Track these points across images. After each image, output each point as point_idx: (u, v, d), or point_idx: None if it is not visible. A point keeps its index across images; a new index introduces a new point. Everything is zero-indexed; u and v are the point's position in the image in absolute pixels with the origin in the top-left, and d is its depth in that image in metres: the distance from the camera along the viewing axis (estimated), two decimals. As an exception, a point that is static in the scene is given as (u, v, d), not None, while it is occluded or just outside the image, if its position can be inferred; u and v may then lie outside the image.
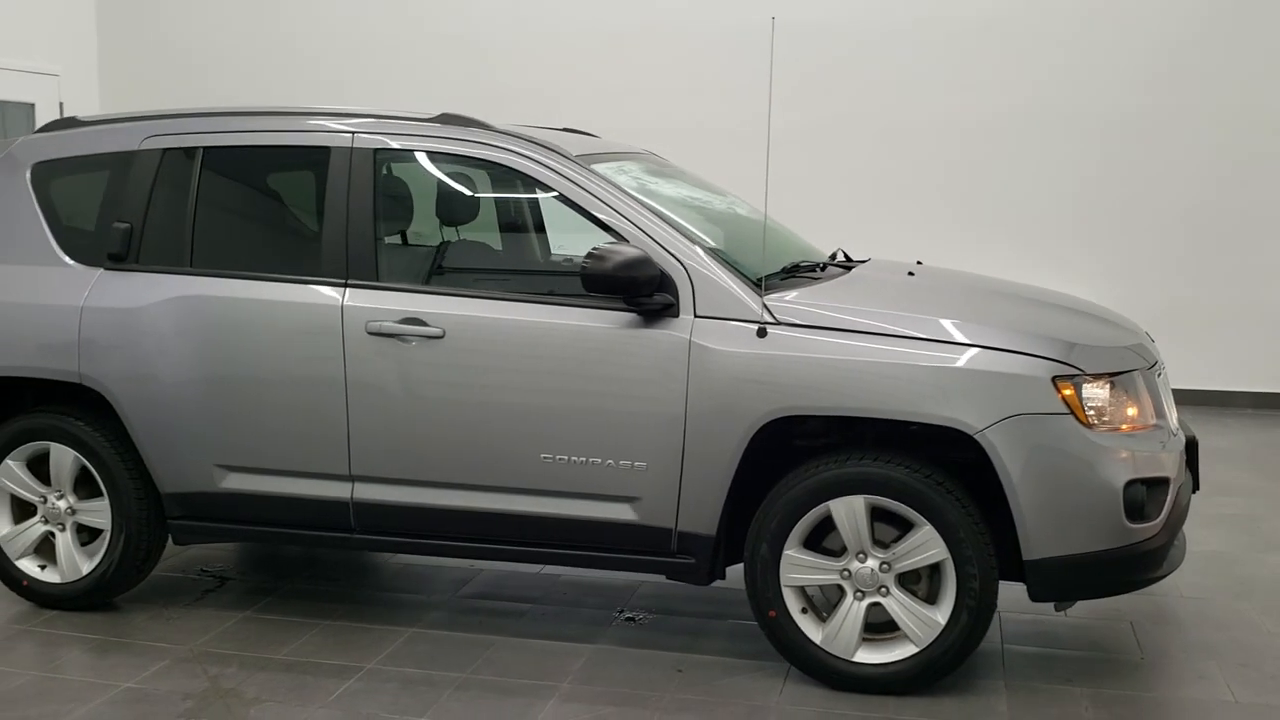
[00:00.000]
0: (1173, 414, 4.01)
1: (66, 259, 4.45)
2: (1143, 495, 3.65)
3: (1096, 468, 3.59)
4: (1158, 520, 3.72)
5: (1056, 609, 3.91)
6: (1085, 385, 3.64)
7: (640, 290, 3.79)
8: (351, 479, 4.16)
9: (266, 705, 3.75)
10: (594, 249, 3.79)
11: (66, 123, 4.71)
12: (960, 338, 3.68)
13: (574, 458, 3.94)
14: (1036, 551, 3.61)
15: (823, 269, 4.44)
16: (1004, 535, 3.69)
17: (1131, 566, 3.71)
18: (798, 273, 4.25)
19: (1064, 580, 3.67)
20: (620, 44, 9.52)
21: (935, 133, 8.91)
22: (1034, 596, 3.72)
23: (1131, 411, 3.76)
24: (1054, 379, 3.60)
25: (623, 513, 3.94)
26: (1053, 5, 8.74)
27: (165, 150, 4.41)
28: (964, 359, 3.62)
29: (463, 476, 4.06)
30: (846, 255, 4.80)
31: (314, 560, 5.21)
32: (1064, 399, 3.59)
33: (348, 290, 4.12)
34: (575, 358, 3.92)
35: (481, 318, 4.01)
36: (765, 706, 3.73)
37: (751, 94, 9.15)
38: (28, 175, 4.58)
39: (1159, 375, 4.01)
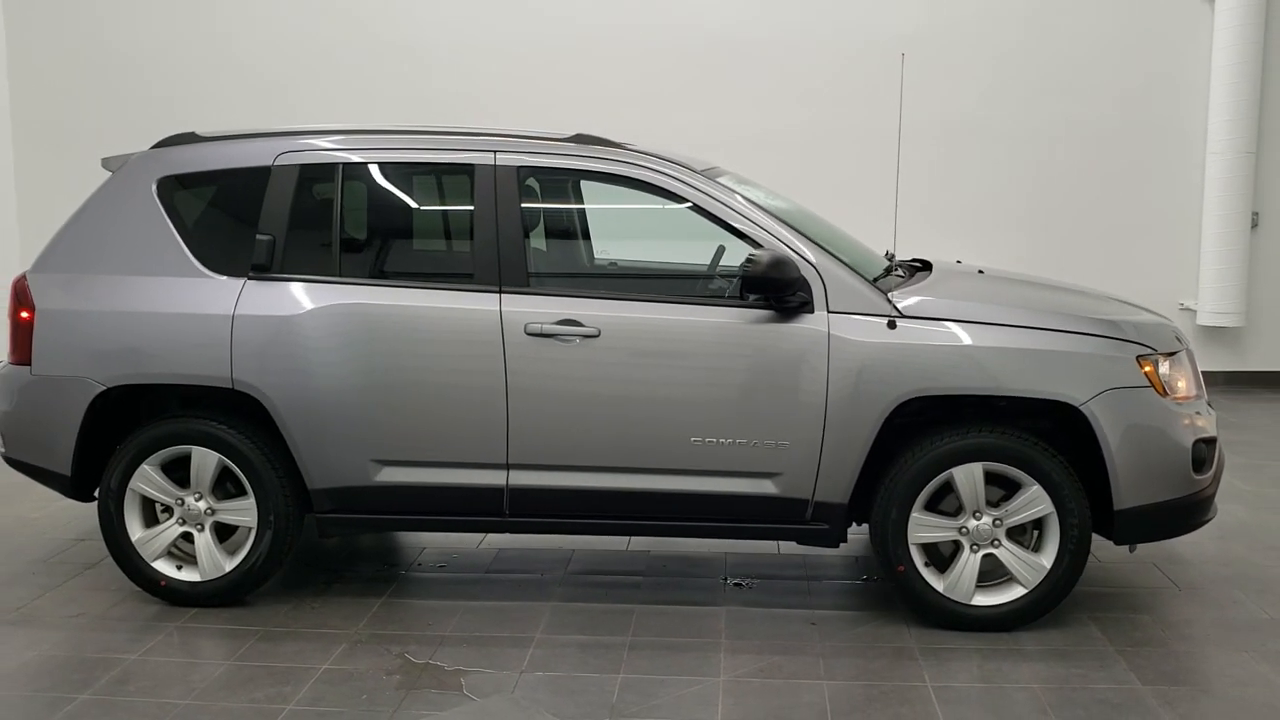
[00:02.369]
0: (1204, 386, 4.82)
1: (205, 270, 4.63)
2: (1204, 452, 4.44)
3: (1171, 431, 4.35)
4: (1211, 473, 4.52)
5: (1130, 550, 4.67)
6: (1159, 362, 4.39)
7: (787, 289, 4.32)
8: (507, 467, 4.54)
9: (472, 674, 4.11)
10: (750, 255, 4.31)
11: (185, 138, 4.87)
12: (1060, 326, 4.37)
13: (722, 439, 4.44)
14: (1125, 502, 4.34)
15: (895, 269, 5.07)
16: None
17: (1194, 511, 4.49)
18: (889, 273, 4.87)
19: (1144, 525, 4.42)
20: (564, 52, 9.95)
21: (896, 139, 9.70)
22: (1118, 540, 4.46)
23: (1183, 384, 4.53)
24: (1137, 358, 4.34)
25: (765, 487, 4.47)
26: (988, 32, 9.72)
27: (303, 166, 4.66)
28: (1067, 343, 4.33)
29: (616, 460, 4.50)
30: (890, 255, 5.45)
31: (402, 548, 5.52)
32: (1145, 374, 4.34)
33: (502, 296, 4.49)
34: (721, 350, 4.42)
35: (633, 317, 4.46)
36: (908, 648, 4.33)
37: (701, 102, 9.80)
38: (154, 189, 4.74)
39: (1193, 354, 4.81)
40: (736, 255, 4.86)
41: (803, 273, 4.39)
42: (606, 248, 5.59)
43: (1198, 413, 4.55)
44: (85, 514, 5.98)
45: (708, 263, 4.99)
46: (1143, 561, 5.25)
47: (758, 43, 9.84)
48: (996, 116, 9.77)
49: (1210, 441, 4.51)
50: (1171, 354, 4.50)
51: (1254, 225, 9.78)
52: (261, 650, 4.33)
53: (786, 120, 9.83)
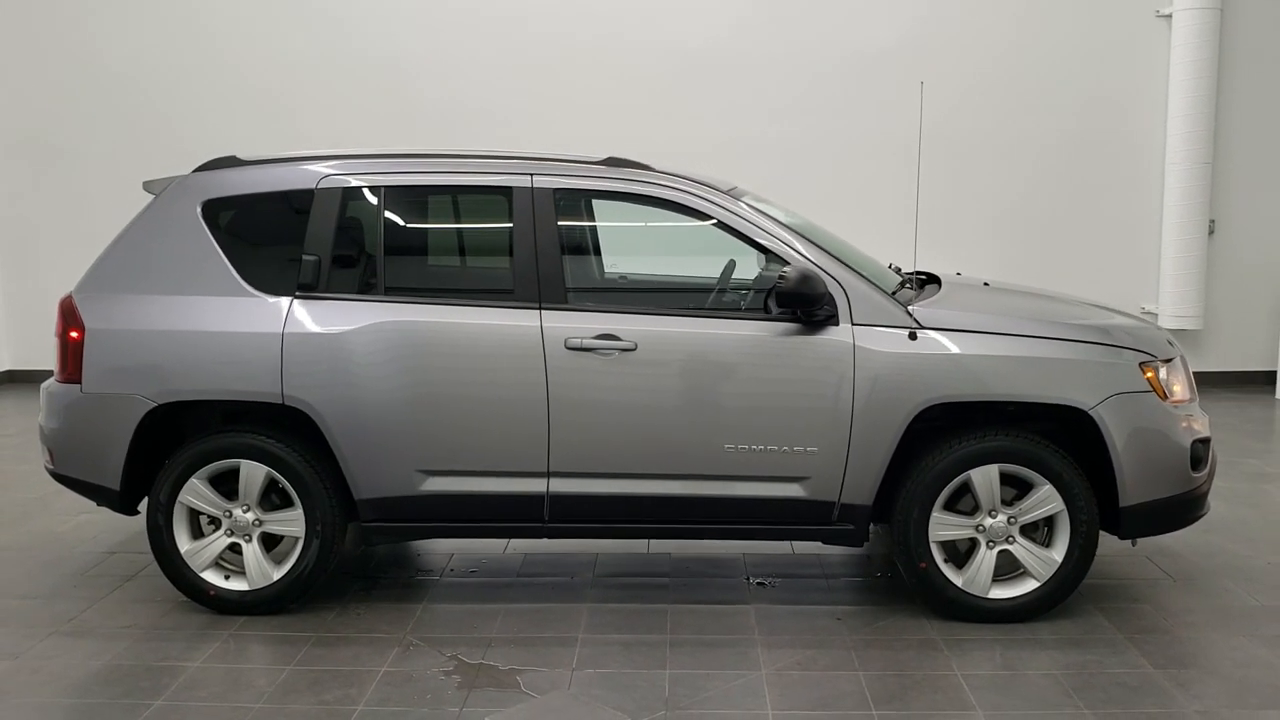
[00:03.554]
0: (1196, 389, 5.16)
1: (252, 290, 4.80)
2: (1201, 451, 4.78)
3: (1171, 433, 4.68)
4: (1206, 470, 4.86)
5: (1132, 544, 4.98)
6: (1159, 368, 4.72)
7: (816, 303, 4.59)
8: (548, 475, 4.75)
9: (527, 673, 4.32)
10: (782, 272, 4.57)
11: (226, 162, 5.03)
12: (1070, 335, 4.68)
13: (754, 446, 4.69)
14: (1131, 499, 4.65)
15: (906, 282, 5.36)
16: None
17: (1191, 506, 4.82)
18: (902, 287, 5.15)
19: (1147, 520, 4.74)
20: (547, 67, 10.17)
21: (871, 152, 10.07)
22: (1123, 535, 4.77)
23: (1179, 388, 4.86)
24: (1140, 364, 4.66)
25: (793, 491, 4.73)
26: (958, 50, 10.08)
27: (346, 189, 4.85)
28: (1077, 352, 4.64)
29: (653, 467, 4.73)
30: (896, 268, 5.73)
31: (428, 554, 5.71)
32: (1148, 379, 4.66)
33: (543, 312, 4.71)
34: (753, 362, 4.68)
35: (668, 331, 4.70)
36: (931, 639, 4.61)
37: (680, 114, 10.06)
38: (198, 211, 4.89)
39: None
40: (746, 269, 5.13)
41: (828, 287, 4.65)
42: (616, 262, 5.82)
43: (1193, 415, 4.87)
44: (112, 527, 6.11)
45: (730, 278, 5.22)
46: (1136, 555, 5.58)
47: (736, 57, 10.13)
48: (966, 130, 10.14)
49: (1205, 441, 4.85)
50: (1168, 360, 4.82)
51: (1211, 232, 10.23)
52: (319, 655, 4.51)
53: (764, 132, 10.13)
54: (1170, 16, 10.06)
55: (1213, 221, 10.24)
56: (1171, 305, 10.19)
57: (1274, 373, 10.26)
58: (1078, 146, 10.22)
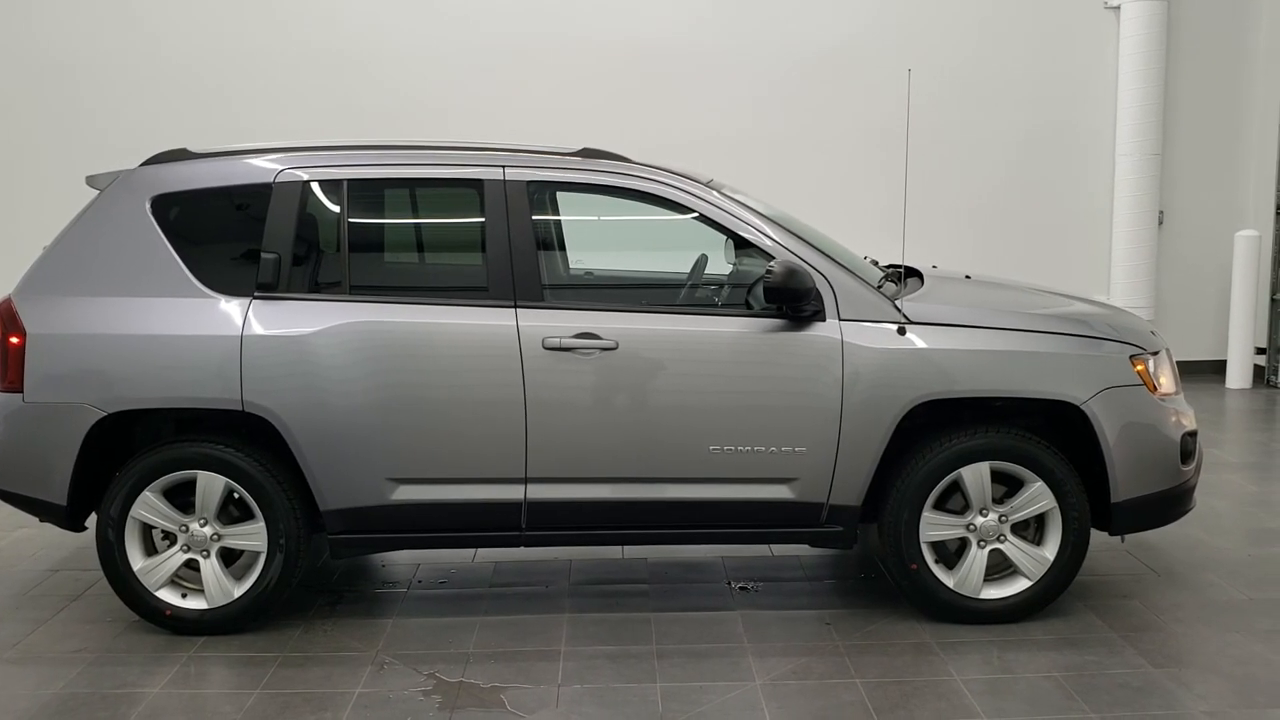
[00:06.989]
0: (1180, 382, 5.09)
1: (207, 290, 4.52)
2: (1191, 444, 4.71)
3: (1162, 426, 4.60)
4: (1194, 464, 4.79)
5: (1122, 540, 4.90)
6: (1149, 361, 4.63)
7: (804, 298, 4.43)
8: (525, 481, 4.54)
9: (511, 690, 4.11)
10: (769, 266, 4.40)
11: (177, 155, 4.75)
12: (1060, 329, 4.58)
13: (740, 447, 4.52)
14: (1122, 494, 4.57)
15: (889, 277, 5.22)
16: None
17: (1180, 501, 4.76)
18: (885, 281, 5.01)
19: (1138, 516, 4.66)
20: (502, 62, 9.92)
21: (834, 146, 9.97)
22: (1113, 531, 4.69)
23: (1165, 380, 4.79)
24: (1130, 358, 4.57)
25: (781, 492, 4.57)
26: (912, 45, 10.01)
27: (305, 183, 4.59)
28: (1067, 346, 4.54)
29: (636, 471, 4.54)
30: (874, 262, 5.60)
31: (393, 565, 5.47)
32: (1138, 373, 4.57)
33: (518, 310, 4.49)
34: (738, 360, 4.51)
35: (650, 329, 4.51)
36: (925, 643, 4.48)
37: (636, 110, 9.87)
38: (147, 207, 4.60)
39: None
40: (728, 264, 4.96)
41: (814, 282, 4.50)
42: (593, 257, 5.62)
43: (1180, 408, 4.80)
44: (53, 542, 5.79)
45: (712, 273, 5.05)
46: (1116, 549, 5.51)
47: (697, 54, 9.95)
48: (922, 125, 10.04)
49: (1193, 435, 4.78)
50: (1156, 352, 4.74)
51: (1160, 223, 10.29)
52: (287, 677, 4.25)
53: (725, 129, 9.97)
54: (1119, 8, 10.08)
55: (1162, 212, 10.29)
56: (1123, 295, 10.22)
57: (1223, 362, 10.34)
58: (1030, 140, 10.21)
